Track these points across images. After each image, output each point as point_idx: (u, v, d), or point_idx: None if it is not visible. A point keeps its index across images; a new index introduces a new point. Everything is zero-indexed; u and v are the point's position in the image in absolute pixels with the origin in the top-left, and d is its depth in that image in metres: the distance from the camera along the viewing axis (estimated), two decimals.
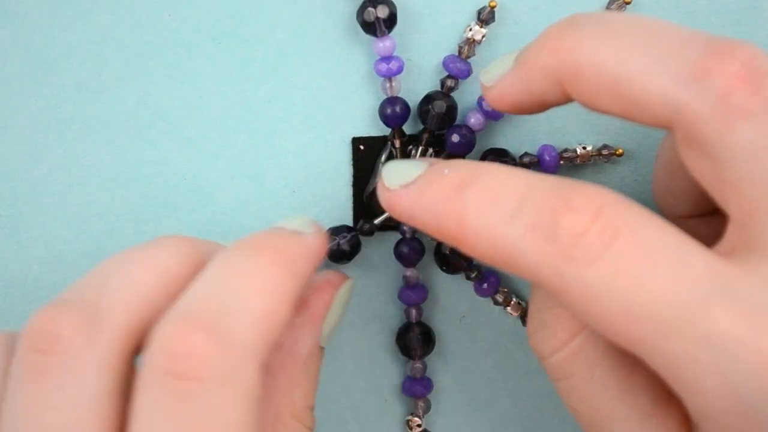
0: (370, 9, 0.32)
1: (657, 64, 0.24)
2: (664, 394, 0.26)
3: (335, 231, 0.33)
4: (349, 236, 0.33)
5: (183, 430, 0.23)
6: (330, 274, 0.30)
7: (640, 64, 0.24)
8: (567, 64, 0.25)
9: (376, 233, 0.34)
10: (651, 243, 0.23)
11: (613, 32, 0.25)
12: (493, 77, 0.28)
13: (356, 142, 0.34)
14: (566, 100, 0.27)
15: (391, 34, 0.32)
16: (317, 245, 0.27)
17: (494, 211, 0.24)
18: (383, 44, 0.32)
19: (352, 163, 0.34)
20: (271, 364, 0.27)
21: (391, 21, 0.32)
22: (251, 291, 0.25)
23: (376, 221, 0.33)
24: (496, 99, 0.28)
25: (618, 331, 0.23)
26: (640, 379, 0.26)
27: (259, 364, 0.24)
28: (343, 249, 0.33)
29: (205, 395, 0.23)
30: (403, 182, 0.27)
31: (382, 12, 0.32)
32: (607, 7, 0.33)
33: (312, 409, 0.28)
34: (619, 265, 0.23)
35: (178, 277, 0.26)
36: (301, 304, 0.28)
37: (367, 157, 0.34)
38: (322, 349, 0.29)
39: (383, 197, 0.27)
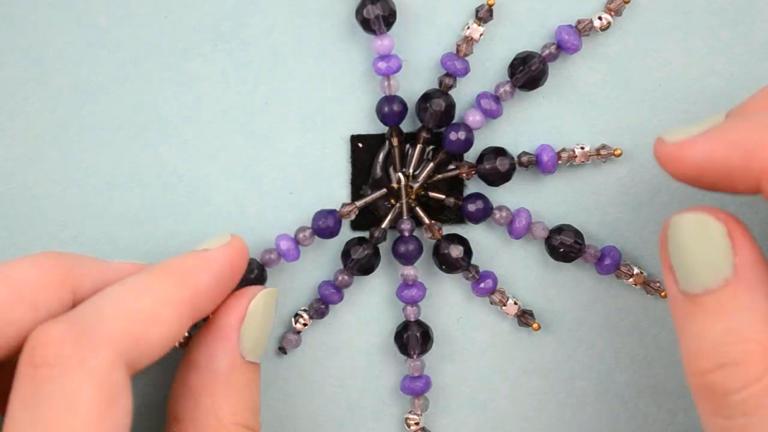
0: (369, 7, 0.32)
1: None
2: None
3: (352, 244, 0.33)
4: (367, 250, 0.33)
5: (37, 413, 0.24)
6: (246, 288, 0.30)
7: None
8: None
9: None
10: None
11: None
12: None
13: (354, 139, 0.34)
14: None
15: (389, 32, 0.32)
16: (218, 258, 0.29)
17: None
18: (382, 42, 0.32)
19: (350, 161, 0.34)
20: (191, 384, 0.28)
21: (389, 19, 0.32)
22: (127, 293, 0.26)
23: (383, 225, 0.33)
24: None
25: None
26: None
27: (116, 353, 0.25)
28: (362, 263, 0.33)
29: (56, 379, 0.24)
30: (694, 133, 0.26)
31: (381, 10, 0.32)
32: (606, 6, 0.33)
33: (247, 426, 0.28)
34: None
35: (37, 286, 0.27)
36: (210, 320, 0.29)
37: (365, 155, 0.34)
38: (253, 363, 0.29)
39: (666, 151, 0.26)
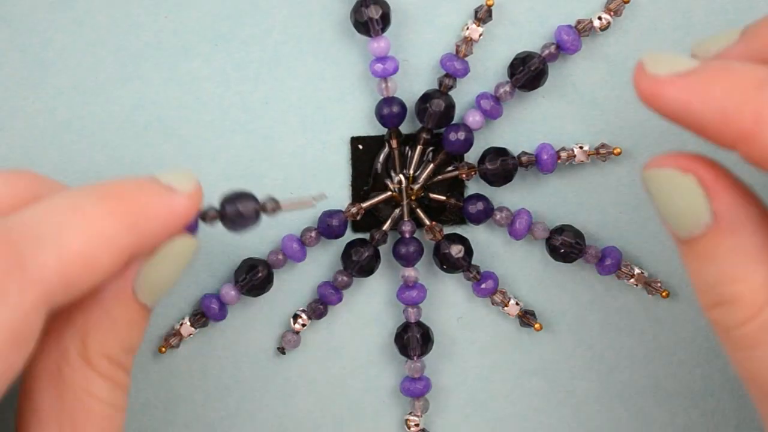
0: (363, 9, 0.32)
1: None
2: None
3: (353, 245, 0.33)
4: (368, 252, 0.33)
5: None
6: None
7: None
8: None
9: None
10: None
11: None
12: (712, 49, 0.26)
13: (355, 141, 0.34)
14: None
15: (386, 34, 0.32)
16: (181, 208, 0.26)
17: None
18: (378, 44, 0.32)
19: (350, 163, 0.34)
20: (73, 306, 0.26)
21: (384, 21, 0.32)
22: (72, 229, 0.24)
23: (384, 227, 0.33)
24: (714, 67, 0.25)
25: None
26: None
27: (44, 297, 0.23)
28: (362, 265, 0.33)
29: None
30: (678, 70, 0.25)
31: (375, 12, 0.32)
32: (606, 6, 0.33)
33: (112, 360, 0.26)
34: None
35: (3, 199, 0.25)
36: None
37: (365, 157, 0.34)
38: (143, 306, 0.27)
39: (645, 85, 0.25)
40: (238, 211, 0.28)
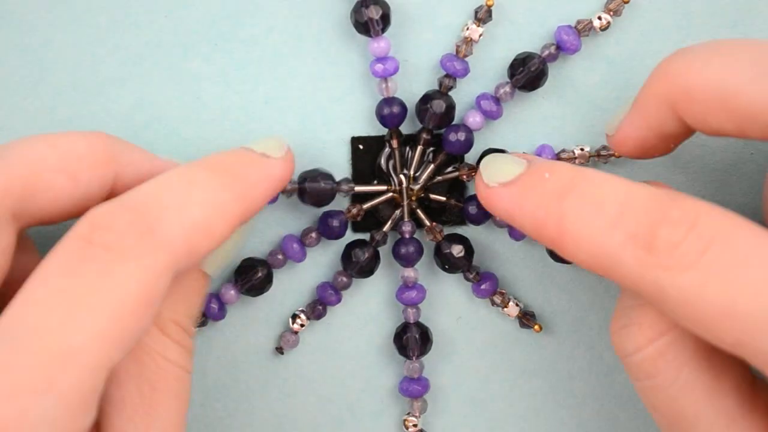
0: (364, 9, 0.32)
1: (764, 74, 0.25)
2: (750, 397, 0.26)
3: (353, 246, 0.33)
4: (367, 252, 0.33)
5: (74, 284, 0.24)
6: None
7: (747, 76, 0.25)
8: (677, 87, 0.26)
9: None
10: (746, 248, 0.24)
11: (719, 52, 0.26)
12: (615, 124, 0.29)
13: (355, 141, 0.34)
14: (685, 130, 0.28)
15: (386, 34, 0.32)
16: (279, 172, 0.29)
17: (594, 220, 0.25)
18: (378, 45, 0.32)
19: (351, 163, 0.34)
20: None
21: (384, 21, 0.32)
22: (192, 201, 0.26)
23: (385, 228, 0.33)
24: (619, 143, 0.29)
25: (718, 334, 0.24)
26: (728, 382, 0.26)
27: (173, 261, 0.25)
28: (363, 266, 0.33)
29: (108, 263, 0.24)
30: (502, 180, 0.28)
31: (375, 12, 0.32)
32: (606, 6, 0.33)
33: (182, 326, 0.28)
34: (715, 270, 0.23)
35: (82, 161, 0.27)
36: None
37: (366, 157, 0.34)
38: (206, 275, 0.29)
39: (482, 193, 0.28)
40: (318, 188, 0.32)
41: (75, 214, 0.27)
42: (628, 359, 0.27)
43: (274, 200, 0.33)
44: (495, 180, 0.28)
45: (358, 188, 0.33)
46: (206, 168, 0.27)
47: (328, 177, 0.33)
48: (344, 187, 0.33)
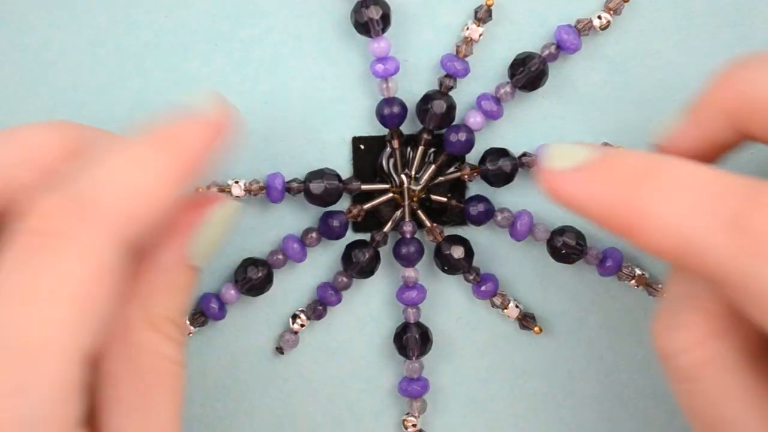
0: (364, 10, 0.32)
1: None
2: None
3: (353, 246, 0.33)
4: (368, 253, 0.33)
5: (28, 280, 0.24)
6: (211, 193, 0.31)
7: None
8: (741, 98, 0.26)
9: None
10: None
11: None
12: (666, 133, 0.28)
13: (356, 141, 0.34)
14: (739, 140, 0.27)
15: (386, 34, 0.32)
16: (208, 120, 0.27)
17: (680, 204, 0.24)
18: (378, 45, 0.32)
19: (352, 163, 0.34)
20: (136, 272, 0.28)
21: (384, 21, 0.32)
22: (121, 168, 0.26)
23: (385, 229, 0.33)
24: (672, 153, 0.27)
25: None
26: None
27: (117, 233, 0.25)
28: (363, 266, 0.33)
29: (50, 249, 0.24)
30: (572, 164, 0.26)
31: (375, 12, 0.32)
32: (606, 6, 0.33)
33: (174, 321, 0.28)
34: None
35: (50, 151, 0.27)
36: (171, 218, 0.28)
37: (367, 157, 0.34)
38: (194, 269, 0.28)
39: (545, 179, 0.26)
40: (325, 187, 0.32)
41: None
42: (671, 361, 0.26)
43: (278, 199, 0.33)
44: (564, 164, 0.26)
45: (365, 186, 0.33)
46: (130, 134, 0.27)
47: (335, 176, 0.33)
48: (351, 186, 0.33)
